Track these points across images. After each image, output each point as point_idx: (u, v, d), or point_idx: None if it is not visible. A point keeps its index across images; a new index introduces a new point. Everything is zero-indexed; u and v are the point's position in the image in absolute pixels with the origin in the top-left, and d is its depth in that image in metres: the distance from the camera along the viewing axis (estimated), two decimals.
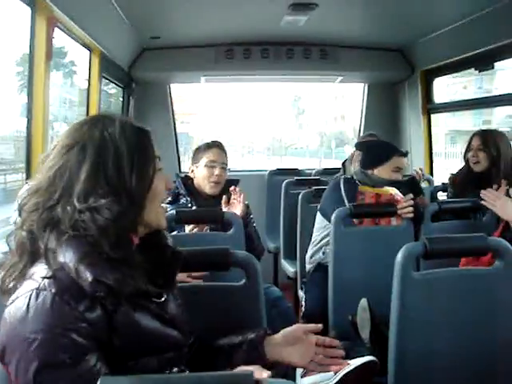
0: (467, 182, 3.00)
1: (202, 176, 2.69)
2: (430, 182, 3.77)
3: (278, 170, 4.32)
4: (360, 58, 4.17)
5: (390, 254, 1.66)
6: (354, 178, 2.74)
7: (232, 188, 2.61)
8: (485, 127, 6.97)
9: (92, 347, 1.00)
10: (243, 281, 1.63)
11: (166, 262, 1.22)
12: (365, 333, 2.01)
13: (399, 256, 1.60)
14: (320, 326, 1.41)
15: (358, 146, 2.89)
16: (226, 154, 2.78)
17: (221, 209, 2.51)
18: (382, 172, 2.67)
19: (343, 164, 3.19)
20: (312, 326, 1.40)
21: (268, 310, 2.24)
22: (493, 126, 3.76)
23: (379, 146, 2.84)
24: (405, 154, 2.78)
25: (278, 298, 2.49)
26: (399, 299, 1.60)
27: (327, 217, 2.67)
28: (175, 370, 1.19)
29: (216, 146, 2.75)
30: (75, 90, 4.41)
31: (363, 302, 2.03)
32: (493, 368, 1.66)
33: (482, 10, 3.04)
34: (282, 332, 1.36)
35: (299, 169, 4.24)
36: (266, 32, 3.83)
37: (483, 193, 2.41)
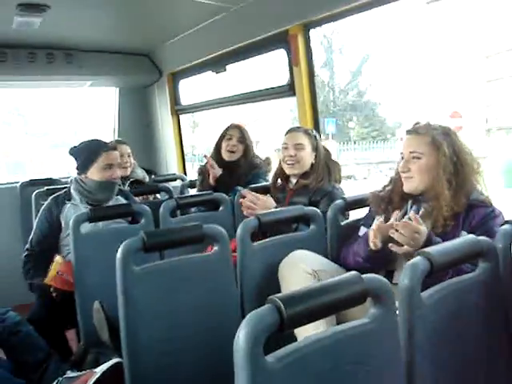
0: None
1: None
2: (182, 179, 3.95)
3: (30, 180, 4.07)
4: (109, 62, 4.14)
5: None
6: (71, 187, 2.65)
7: None
8: None
9: None
10: None
11: None
12: (104, 334, 2.00)
13: (119, 252, 1.65)
14: None
15: (70, 151, 2.70)
16: None
17: None
18: (94, 174, 2.60)
19: None
20: None
21: (5, 339, 2.10)
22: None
23: (87, 146, 2.67)
24: (114, 148, 2.67)
25: (17, 323, 2.18)
26: (123, 294, 1.66)
27: None
28: None
29: None
30: None
31: (96, 304, 2.02)
32: (217, 343, 1.77)
33: (214, 16, 3.27)
34: None
35: (53, 178, 4.05)
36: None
37: (241, 201, 2.47)
